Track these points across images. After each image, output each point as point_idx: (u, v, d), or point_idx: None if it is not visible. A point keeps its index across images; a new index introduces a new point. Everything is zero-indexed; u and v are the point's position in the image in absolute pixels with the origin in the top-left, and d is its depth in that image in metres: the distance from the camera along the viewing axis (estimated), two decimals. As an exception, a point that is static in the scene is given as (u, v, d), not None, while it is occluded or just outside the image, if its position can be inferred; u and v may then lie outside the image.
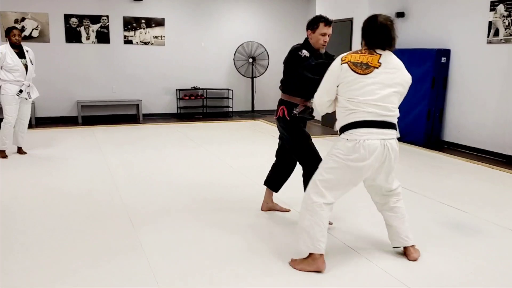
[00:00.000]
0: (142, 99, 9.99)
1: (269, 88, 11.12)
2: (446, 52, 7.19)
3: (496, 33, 6.39)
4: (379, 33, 2.81)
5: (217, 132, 8.40)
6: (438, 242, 3.43)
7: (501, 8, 6.31)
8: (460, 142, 7.12)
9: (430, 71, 7.20)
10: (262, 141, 7.49)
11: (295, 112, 3.45)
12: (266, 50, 10.57)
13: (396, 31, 2.86)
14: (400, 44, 8.12)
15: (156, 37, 9.99)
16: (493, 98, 6.56)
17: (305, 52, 3.34)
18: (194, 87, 10.41)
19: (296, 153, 3.57)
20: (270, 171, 3.95)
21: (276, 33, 10.98)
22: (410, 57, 7.57)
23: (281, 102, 3.57)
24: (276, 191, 3.96)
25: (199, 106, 10.49)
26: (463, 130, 7.07)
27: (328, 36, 3.43)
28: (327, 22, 3.41)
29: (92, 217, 3.87)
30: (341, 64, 2.80)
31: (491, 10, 6.46)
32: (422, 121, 7.32)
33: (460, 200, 4.49)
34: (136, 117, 9.93)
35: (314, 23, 3.43)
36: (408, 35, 7.99)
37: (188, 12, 10.17)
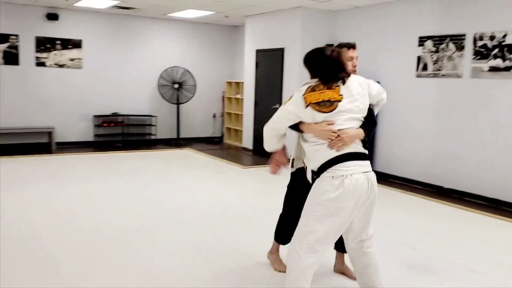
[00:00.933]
0: (55, 126, 9.12)
1: (196, 115, 10.76)
2: (377, 84, 7.33)
3: (425, 67, 6.62)
4: (331, 68, 2.70)
5: (143, 163, 7.82)
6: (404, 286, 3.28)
7: (429, 44, 6.56)
8: (392, 172, 7.24)
9: (362, 102, 7.28)
10: (196, 174, 7.07)
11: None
12: (192, 75, 10.21)
13: (345, 58, 2.83)
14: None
15: (73, 60, 9.23)
16: (423, 130, 6.75)
17: None
18: (113, 113, 9.74)
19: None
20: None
21: (203, 59, 10.69)
22: (342, 88, 7.67)
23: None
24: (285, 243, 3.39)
25: (119, 134, 9.81)
26: (395, 160, 7.21)
27: (356, 59, 3.16)
28: (349, 46, 3.14)
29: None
30: (305, 107, 2.65)
31: (419, 45, 6.69)
32: (355, 151, 7.37)
33: (406, 235, 4.44)
34: (48, 146, 9.02)
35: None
36: (338, 66, 8.08)
37: (108, 33, 9.55)
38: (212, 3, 7.88)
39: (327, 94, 2.64)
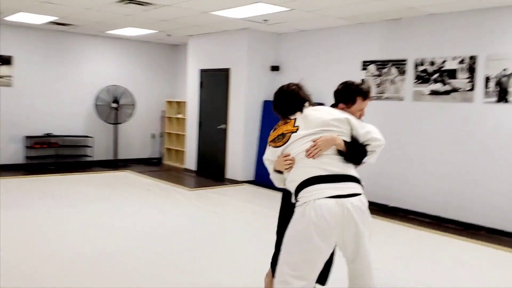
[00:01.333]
0: (-19, 148, 8.43)
1: (135, 135, 10.42)
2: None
3: (369, 90, 6.88)
4: (285, 101, 2.76)
5: (81, 187, 7.40)
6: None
7: (372, 68, 6.84)
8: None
9: (309, 123, 7.43)
10: (141, 198, 6.80)
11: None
12: (131, 94, 9.90)
13: (304, 90, 2.80)
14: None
15: (2, 77, 8.61)
16: (368, 151, 6.99)
17: None
18: (46, 133, 9.18)
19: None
20: None
21: (142, 78, 10.41)
22: (288, 109, 7.77)
23: None
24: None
25: (52, 156, 9.24)
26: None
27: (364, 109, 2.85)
28: (366, 95, 2.82)
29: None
30: (268, 147, 2.78)
31: (363, 69, 6.96)
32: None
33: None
34: (-27, 170, 8.30)
35: (350, 96, 2.79)
36: (283, 87, 8.20)
37: (42, 50, 9.04)
38: (156, 22, 7.72)
39: (281, 129, 2.70)
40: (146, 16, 7.25)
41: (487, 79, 5.59)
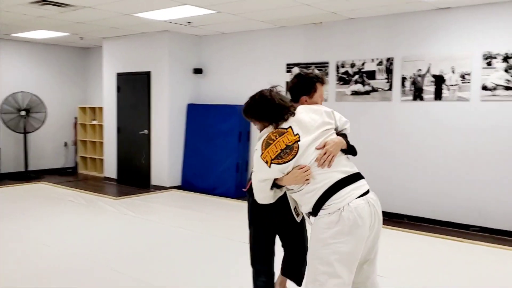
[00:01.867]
0: None
1: (47, 144, 9.79)
2: (248, 108, 7.62)
3: (294, 92, 7.12)
4: (273, 108, 2.50)
5: (-5, 202, 6.80)
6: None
7: (296, 70, 7.08)
8: (266, 191, 7.55)
9: (237, 126, 7.50)
10: (67, 210, 6.41)
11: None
12: (42, 101, 9.26)
13: (282, 93, 2.62)
14: (201, 99, 8.27)
15: None
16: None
17: None
18: None
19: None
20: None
21: (53, 83, 9.80)
22: (216, 113, 7.80)
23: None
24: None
25: (-48, 170, 8.38)
26: (269, 180, 7.53)
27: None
28: (323, 80, 2.79)
29: None
30: (269, 167, 2.44)
31: (287, 71, 7.18)
32: (233, 173, 7.52)
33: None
34: None
35: (310, 85, 2.72)
36: (208, 90, 8.20)
37: None
38: (70, 24, 7.31)
39: (282, 142, 2.45)
40: (61, 18, 6.84)
41: (404, 79, 6.06)
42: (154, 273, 4.06)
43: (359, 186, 2.41)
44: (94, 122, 9.81)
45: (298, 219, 2.75)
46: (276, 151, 2.43)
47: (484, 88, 5.46)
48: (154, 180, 8.24)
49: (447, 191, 5.79)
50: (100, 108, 9.55)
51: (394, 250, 4.69)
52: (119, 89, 8.72)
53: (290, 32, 7.15)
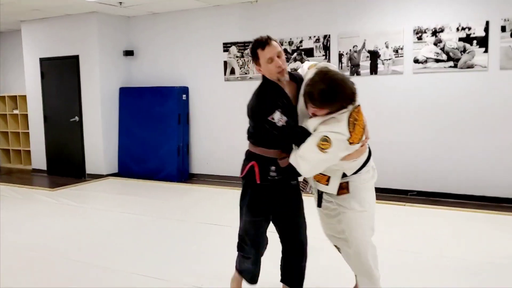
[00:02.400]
0: None
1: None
2: (185, 90, 7.52)
3: (232, 71, 7.13)
4: (349, 86, 2.45)
5: None
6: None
7: (234, 49, 7.08)
8: (209, 172, 7.54)
9: (175, 108, 7.37)
10: (6, 207, 5.97)
11: (272, 174, 2.63)
12: (-47, 92, 8.46)
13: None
14: (133, 82, 8.01)
15: None
16: (235, 129, 7.24)
17: (278, 116, 2.53)
18: None
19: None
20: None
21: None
22: (151, 96, 7.60)
23: (250, 157, 2.73)
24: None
25: None
26: (212, 161, 7.52)
27: (279, 56, 2.54)
28: (263, 43, 2.53)
29: None
30: (352, 146, 2.44)
31: (224, 51, 7.15)
32: (174, 157, 7.41)
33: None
34: None
35: (253, 53, 2.60)
36: (141, 73, 7.95)
37: None
38: (-14, 6, 6.73)
39: (362, 121, 2.49)
40: (-24, -1, 6.27)
41: (341, 56, 6.29)
42: (118, 260, 3.96)
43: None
44: (16, 111, 9.15)
45: (308, 189, 2.85)
46: (360, 132, 2.44)
47: (416, 61, 5.83)
48: (90, 169, 7.91)
49: (383, 160, 6.14)
50: (22, 97, 8.92)
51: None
52: (43, 75, 8.19)
53: (225, 11, 7.11)
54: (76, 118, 7.86)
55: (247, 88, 6.90)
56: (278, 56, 2.55)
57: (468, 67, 5.53)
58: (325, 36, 6.37)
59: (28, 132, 9.02)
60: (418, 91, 5.86)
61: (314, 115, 2.49)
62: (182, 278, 3.54)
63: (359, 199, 2.63)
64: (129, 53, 7.91)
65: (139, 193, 6.60)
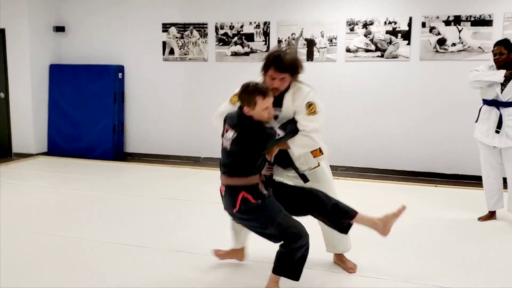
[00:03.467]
0: None
1: None
2: (121, 68, 7.49)
3: (172, 52, 7.26)
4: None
5: None
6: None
7: (173, 30, 7.20)
8: (145, 151, 7.63)
9: (111, 86, 7.33)
10: None
11: (264, 192, 2.88)
12: None
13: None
14: (63, 59, 7.77)
15: None
16: (174, 109, 7.42)
17: (279, 131, 2.93)
18: None
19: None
20: None
21: None
22: (85, 74, 7.49)
23: (236, 190, 2.87)
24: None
25: None
26: (148, 140, 7.61)
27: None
28: (265, 93, 2.84)
29: None
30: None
31: (163, 31, 7.25)
32: (109, 135, 7.38)
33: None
34: None
35: (251, 99, 2.83)
36: (72, 50, 7.74)
37: None
38: None
39: None
40: None
41: (279, 42, 6.74)
42: (88, 230, 4.05)
43: None
44: None
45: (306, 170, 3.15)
46: None
47: (348, 50, 6.46)
48: (16, 148, 7.58)
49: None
50: None
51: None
52: (-41, 47, 7.63)
53: (165, -8, 7.19)
54: (2, 94, 7.47)
55: (187, 68, 7.18)
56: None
57: (393, 57, 6.28)
58: (265, 23, 6.77)
59: None
60: (349, 77, 6.51)
61: (272, 79, 2.96)
62: (162, 245, 3.77)
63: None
64: (60, 29, 7.65)
65: (78, 170, 6.54)
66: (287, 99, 3.02)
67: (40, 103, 7.56)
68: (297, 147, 2.99)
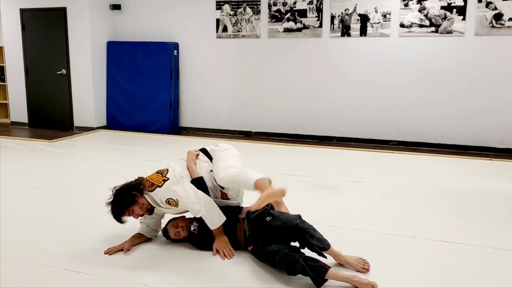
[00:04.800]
0: None
1: None
2: (176, 45, 7.75)
3: (225, 29, 7.46)
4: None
5: None
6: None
7: (226, 7, 7.39)
8: (198, 126, 7.94)
9: (168, 63, 7.62)
10: (14, 156, 6.02)
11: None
12: None
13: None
14: (119, 37, 8.05)
15: None
16: (226, 85, 7.67)
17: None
18: None
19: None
20: None
21: None
22: (142, 50, 7.77)
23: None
24: None
25: None
26: (201, 115, 7.91)
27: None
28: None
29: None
30: (177, 176, 2.99)
31: (217, 9, 7.45)
32: (166, 110, 7.71)
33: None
34: None
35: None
36: (127, 27, 8.03)
37: None
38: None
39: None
40: None
41: (333, 18, 6.85)
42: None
43: None
44: (-13, 63, 8.87)
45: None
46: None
47: (402, 25, 6.54)
48: (77, 122, 8.01)
49: (370, 114, 6.91)
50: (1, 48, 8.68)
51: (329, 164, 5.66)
52: (24, 26, 8.02)
53: (219, -30, 7.35)
54: (64, 71, 7.86)
55: (239, 45, 7.39)
56: None
57: (448, 33, 6.34)
58: (318, -1, 6.90)
59: (1, 85, 8.84)
60: (402, 52, 6.61)
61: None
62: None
63: None
64: (116, 7, 7.95)
65: (140, 143, 6.85)
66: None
67: (99, 79, 7.93)
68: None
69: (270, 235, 2.85)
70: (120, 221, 2.94)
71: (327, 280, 2.58)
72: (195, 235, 3.10)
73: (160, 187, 2.89)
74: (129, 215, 2.96)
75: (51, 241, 3.34)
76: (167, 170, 3.03)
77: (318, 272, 2.56)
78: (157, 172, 3.05)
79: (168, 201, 2.91)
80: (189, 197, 2.89)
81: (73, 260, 3.02)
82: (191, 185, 2.96)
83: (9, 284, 2.72)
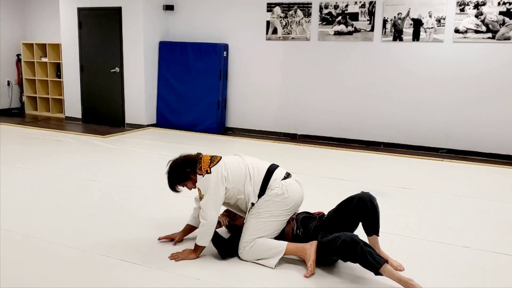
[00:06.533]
0: None
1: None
2: (226, 47, 7.87)
3: (275, 31, 7.51)
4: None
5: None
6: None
7: (277, 10, 7.44)
8: (244, 127, 8.02)
9: (217, 64, 7.73)
10: (69, 149, 6.28)
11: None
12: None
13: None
14: (170, 37, 8.22)
15: None
16: (274, 87, 7.71)
17: None
18: None
19: None
20: None
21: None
22: (194, 51, 7.92)
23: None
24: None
25: None
26: (247, 116, 7.99)
27: None
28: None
29: None
30: (219, 175, 2.98)
31: (268, 11, 7.51)
32: (214, 111, 7.83)
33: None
34: None
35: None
36: (179, 28, 8.21)
37: None
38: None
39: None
40: None
41: (385, 22, 6.77)
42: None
43: None
44: (44, 59, 9.27)
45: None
46: (208, 159, 3.16)
47: (457, 31, 6.39)
48: (129, 119, 8.25)
49: (420, 120, 6.78)
50: (52, 45, 9.06)
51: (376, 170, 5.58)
52: (80, 24, 8.35)
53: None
54: (117, 69, 8.13)
55: (288, 47, 7.42)
56: None
57: (505, 39, 6.14)
58: (370, 2, 6.82)
59: (57, 81, 9.23)
60: (456, 58, 6.45)
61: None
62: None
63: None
64: (169, 7, 8.14)
65: (189, 142, 6.97)
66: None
67: (151, 78, 8.14)
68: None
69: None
70: (174, 191, 3.16)
71: (381, 274, 2.58)
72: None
73: (202, 175, 2.98)
74: (183, 187, 3.16)
75: (107, 232, 3.48)
76: (217, 161, 3.06)
77: (377, 261, 2.59)
78: (211, 157, 3.10)
79: (198, 188, 3.01)
80: (209, 204, 2.95)
81: (129, 251, 3.14)
82: (221, 197, 2.98)
83: (68, 271, 2.85)
